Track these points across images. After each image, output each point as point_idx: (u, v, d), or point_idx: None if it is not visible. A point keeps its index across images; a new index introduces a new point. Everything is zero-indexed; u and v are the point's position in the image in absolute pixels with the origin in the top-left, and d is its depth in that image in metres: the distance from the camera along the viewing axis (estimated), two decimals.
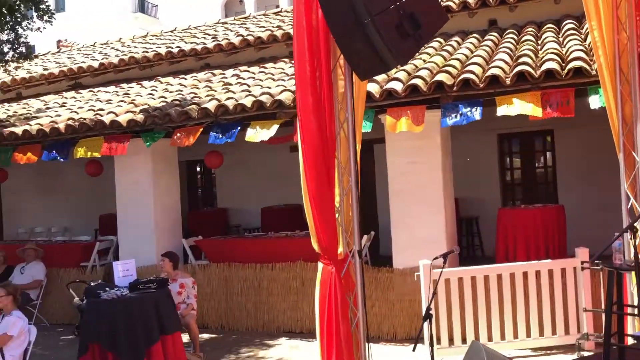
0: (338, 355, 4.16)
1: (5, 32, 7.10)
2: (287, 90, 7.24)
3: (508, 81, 5.95)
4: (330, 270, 4.24)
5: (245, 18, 12.67)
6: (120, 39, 13.94)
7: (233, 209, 11.20)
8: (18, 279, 8.31)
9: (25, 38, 7.67)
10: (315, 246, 4.37)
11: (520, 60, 6.18)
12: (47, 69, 11.49)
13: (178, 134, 7.50)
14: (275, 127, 7.05)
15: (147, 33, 13.83)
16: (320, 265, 4.39)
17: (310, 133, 4.09)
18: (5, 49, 7.53)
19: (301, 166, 4.28)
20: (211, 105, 7.42)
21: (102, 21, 29.46)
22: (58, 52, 14.84)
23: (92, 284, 6.04)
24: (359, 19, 3.57)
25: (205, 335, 7.21)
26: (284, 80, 7.99)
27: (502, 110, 6.09)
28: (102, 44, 13.88)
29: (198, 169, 12.02)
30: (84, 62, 11.53)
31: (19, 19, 7.03)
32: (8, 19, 6.74)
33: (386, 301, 6.90)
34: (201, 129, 7.49)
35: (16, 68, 8.78)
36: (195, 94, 8.39)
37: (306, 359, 6.47)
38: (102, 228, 10.80)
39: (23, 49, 7.74)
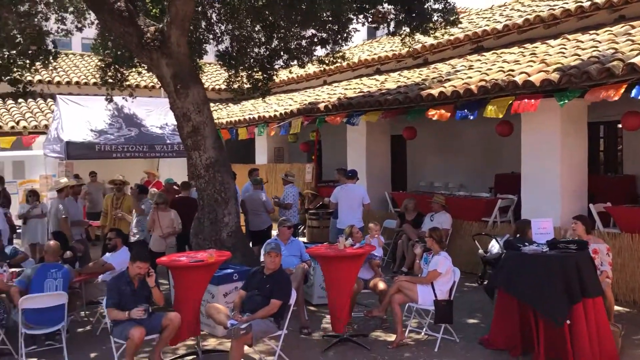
0: None
1: (437, 1, 7.87)
2: None
3: None
4: None
5: None
6: None
7: None
8: (427, 225, 9.29)
9: (452, 6, 8.36)
10: None
11: None
12: (452, 35, 12.25)
13: (601, 92, 7.05)
14: None
15: None
16: None
17: None
18: (435, 17, 8.33)
19: None
20: (638, 60, 6.73)
21: None
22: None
23: (511, 238, 6.31)
24: None
25: (616, 307, 6.78)
26: None
27: None
28: (499, 7, 14.05)
29: (601, 131, 11.16)
30: (487, 25, 11.89)
31: None
32: None
33: None
34: (624, 87, 6.90)
35: (443, 35, 9.64)
36: (616, 49, 7.73)
37: None
38: (497, 186, 11.15)
39: (450, 17, 8.41)
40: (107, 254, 7.34)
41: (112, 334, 5.41)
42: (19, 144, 14.39)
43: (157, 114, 12.13)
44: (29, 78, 8.92)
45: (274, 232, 10.03)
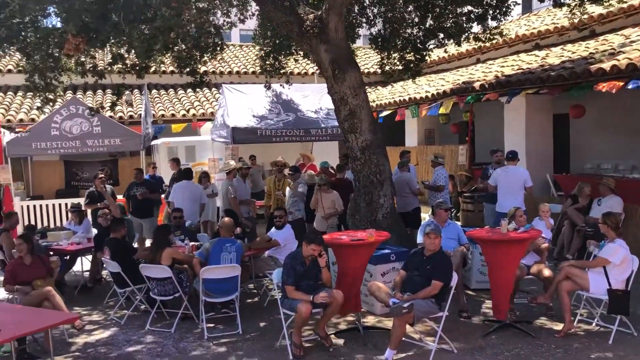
0: None
1: None
2: None
3: None
4: None
5: None
6: None
7: None
8: (595, 211, 8.60)
9: None
10: None
11: None
12: (625, 2, 11.12)
13: None
14: None
15: None
16: None
17: None
18: None
19: None
20: None
21: None
22: None
23: None
24: None
25: None
26: None
27: None
28: None
29: None
30: None
31: None
32: None
33: None
34: None
35: (618, 2, 8.83)
36: None
37: None
38: None
39: None
40: (272, 230, 7.83)
41: (282, 306, 5.79)
42: (188, 129, 15.80)
43: (312, 99, 12.59)
44: (202, 69, 9.71)
45: (424, 215, 10.01)
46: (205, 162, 14.01)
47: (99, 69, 7.52)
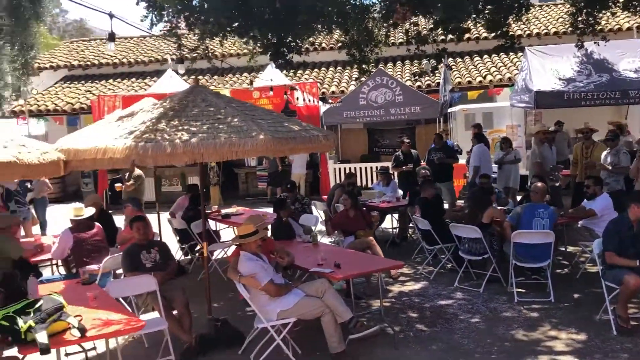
0: None
1: None
2: None
3: None
4: None
5: None
6: None
7: None
8: None
9: None
10: None
11: None
12: None
13: None
14: None
15: None
16: None
17: None
18: None
19: None
20: None
21: None
22: None
23: None
24: None
25: None
26: None
27: None
28: None
29: None
30: None
31: None
32: None
33: None
34: None
35: None
36: None
37: None
38: None
39: None
40: (585, 201, 7.29)
41: (603, 278, 5.40)
42: (483, 96, 15.57)
43: (630, 57, 11.15)
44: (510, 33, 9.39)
45: None
46: (503, 129, 13.69)
47: (422, 35, 7.94)
